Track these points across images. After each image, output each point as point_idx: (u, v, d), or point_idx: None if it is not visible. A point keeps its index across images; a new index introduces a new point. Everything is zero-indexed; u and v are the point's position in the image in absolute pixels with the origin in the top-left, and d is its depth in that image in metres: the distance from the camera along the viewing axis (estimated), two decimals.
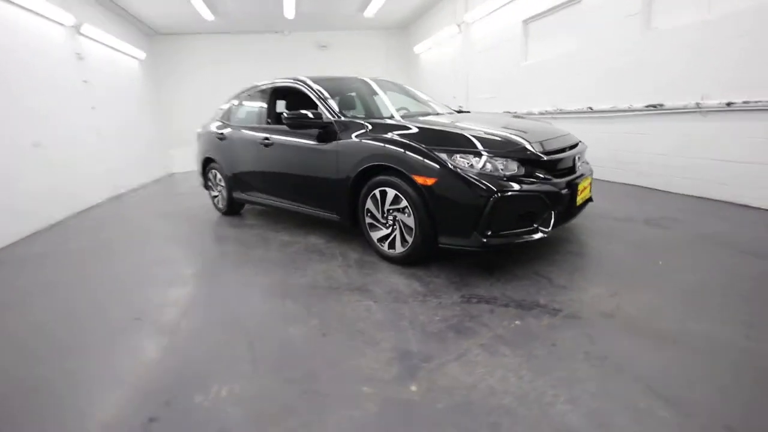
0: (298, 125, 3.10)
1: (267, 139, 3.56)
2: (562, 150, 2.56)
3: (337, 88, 3.45)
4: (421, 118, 3.04)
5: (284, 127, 3.44)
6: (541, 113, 5.71)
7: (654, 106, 4.04)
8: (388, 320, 2.01)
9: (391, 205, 2.59)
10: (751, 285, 2.13)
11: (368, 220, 2.80)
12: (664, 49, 3.95)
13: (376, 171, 2.67)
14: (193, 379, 1.65)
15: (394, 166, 2.47)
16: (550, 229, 2.37)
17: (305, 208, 3.39)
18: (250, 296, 2.42)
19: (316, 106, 3.21)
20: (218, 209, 4.73)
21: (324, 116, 3.02)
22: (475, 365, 1.60)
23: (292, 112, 3.05)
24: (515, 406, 1.37)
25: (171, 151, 10.00)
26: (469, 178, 2.22)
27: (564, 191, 2.40)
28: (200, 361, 1.78)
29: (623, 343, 1.69)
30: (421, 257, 2.59)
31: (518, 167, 2.32)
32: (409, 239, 2.55)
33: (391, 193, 2.56)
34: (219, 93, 10.38)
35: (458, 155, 2.30)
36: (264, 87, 3.90)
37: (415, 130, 2.58)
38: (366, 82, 3.76)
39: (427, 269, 2.59)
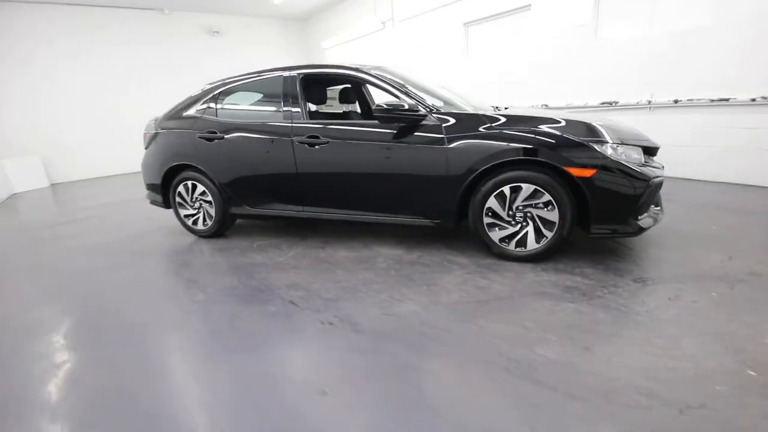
0: (391, 119, 2.64)
1: (315, 137, 2.90)
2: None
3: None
4: (512, 111, 2.95)
5: (345, 122, 2.95)
6: None
7: (609, 103, 4.90)
8: (619, 318, 1.93)
9: (526, 200, 2.47)
10: None
11: (488, 219, 2.60)
12: (613, 55, 4.81)
13: (498, 167, 2.50)
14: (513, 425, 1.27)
15: (544, 160, 2.36)
16: (662, 210, 2.66)
17: (378, 217, 2.92)
18: (424, 328, 1.97)
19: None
20: (194, 231, 3.63)
21: (419, 109, 2.64)
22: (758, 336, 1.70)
23: (385, 104, 2.58)
24: None
25: (3, 162, 7.11)
26: (627, 167, 2.30)
27: None
28: (496, 409, 1.38)
29: None
30: (554, 252, 2.55)
31: (641, 155, 2.52)
32: (548, 234, 2.48)
33: (528, 188, 2.44)
34: (78, 83, 7.82)
35: (609, 145, 2.35)
36: (287, 75, 3.11)
37: (553, 121, 2.49)
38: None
39: (559, 262, 2.56)
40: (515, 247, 2.59)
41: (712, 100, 4.07)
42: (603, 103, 4.95)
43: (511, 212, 2.54)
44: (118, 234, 4.03)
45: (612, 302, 2.07)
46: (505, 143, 2.44)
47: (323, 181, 3.00)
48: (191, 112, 3.46)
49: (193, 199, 3.52)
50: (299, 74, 3.09)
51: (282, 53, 10.35)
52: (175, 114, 3.55)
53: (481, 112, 2.71)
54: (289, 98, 3.07)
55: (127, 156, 8.65)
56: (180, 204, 3.60)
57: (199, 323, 2.17)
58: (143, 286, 2.73)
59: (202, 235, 3.62)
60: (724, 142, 4.06)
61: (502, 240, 2.61)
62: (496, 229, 2.60)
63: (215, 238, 3.59)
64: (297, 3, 8.69)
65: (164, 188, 3.62)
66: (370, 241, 3.21)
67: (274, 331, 2.04)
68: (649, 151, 2.65)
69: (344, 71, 3.03)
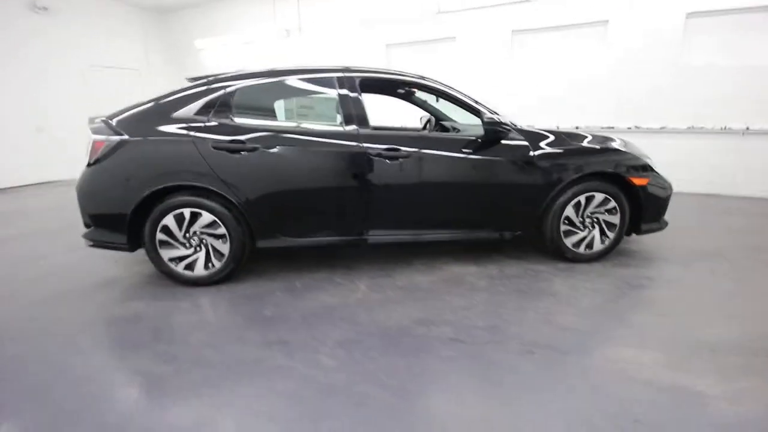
0: (494, 132, 2.59)
1: (395, 150, 2.55)
2: None
3: None
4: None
5: (427, 134, 2.73)
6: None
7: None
8: (719, 293, 2.41)
9: (596, 207, 2.81)
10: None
11: (564, 227, 2.82)
12: (528, 94, 5.87)
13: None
14: None
15: (615, 171, 2.73)
16: None
17: (457, 234, 2.79)
18: (619, 331, 2.02)
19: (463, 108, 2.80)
20: (185, 279, 2.61)
21: (506, 122, 2.67)
22: None
23: (490, 118, 2.53)
24: None
25: None
26: (662, 176, 2.90)
27: None
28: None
29: None
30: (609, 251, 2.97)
31: None
32: (610, 235, 2.88)
33: (599, 196, 2.78)
34: None
35: (647, 158, 2.91)
36: (342, 76, 2.63)
37: (589, 137, 2.89)
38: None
39: (611, 260, 2.97)
40: (584, 250, 2.90)
41: (602, 127, 5.47)
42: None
43: (581, 219, 2.84)
44: (39, 296, 2.51)
45: (693, 283, 2.58)
46: (586, 158, 2.74)
47: (401, 199, 2.66)
48: (188, 113, 2.51)
49: (189, 235, 2.54)
50: (357, 77, 2.67)
51: (138, 47, 8.33)
52: (156, 115, 2.50)
53: (545, 130, 2.93)
54: (350, 104, 2.61)
55: None
56: (163, 243, 2.53)
57: (388, 395, 1.61)
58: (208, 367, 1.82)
59: (200, 282, 2.62)
60: None
61: (575, 245, 2.88)
62: (576, 234, 2.85)
63: (224, 284, 2.65)
64: None
65: (133, 222, 2.48)
66: (429, 261, 2.99)
67: (493, 377, 1.71)
68: None
69: (410, 78, 2.81)
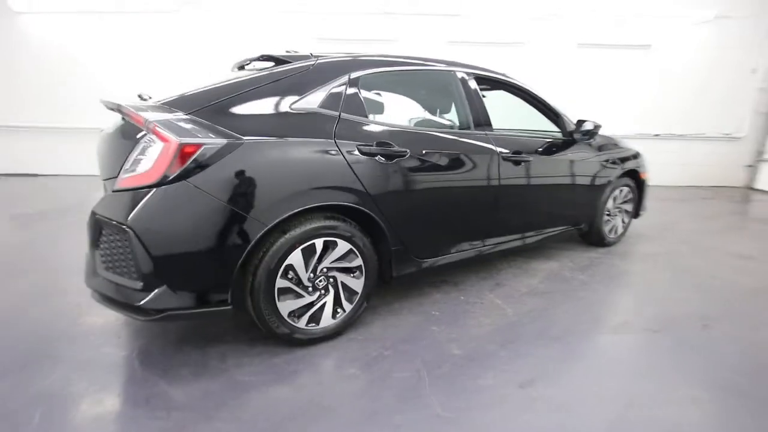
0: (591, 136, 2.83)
1: (519, 153, 2.44)
2: None
3: None
4: None
5: (532, 136, 2.78)
6: None
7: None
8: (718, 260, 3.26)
9: (623, 198, 3.38)
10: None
11: (605, 218, 3.28)
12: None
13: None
14: None
15: (635, 168, 3.33)
16: None
17: (541, 234, 2.86)
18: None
19: (544, 111, 2.95)
20: (312, 336, 1.88)
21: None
22: None
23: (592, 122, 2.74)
24: None
25: None
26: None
27: None
28: None
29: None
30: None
31: None
32: (626, 221, 3.52)
33: (625, 189, 3.36)
34: None
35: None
36: (459, 72, 2.40)
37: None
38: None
39: (622, 244, 3.60)
40: (614, 236, 3.44)
41: None
42: None
43: (614, 209, 3.37)
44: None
45: (693, 249, 3.40)
46: (625, 158, 3.27)
47: (520, 203, 2.59)
48: (310, 104, 1.78)
49: (317, 274, 1.82)
50: (469, 74, 2.43)
51: None
52: (270, 106, 1.67)
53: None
54: (476, 103, 2.36)
55: None
56: (285, 291, 1.73)
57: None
58: None
59: (325, 337, 1.91)
60: None
61: (608, 231, 3.39)
62: (611, 222, 3.36)
63: (349, 333, 2.00)
64: None
65: (230, 266, 1.61)
66: (509, 261, 2.99)
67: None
68: None
69: (513, 81, 2.76)
